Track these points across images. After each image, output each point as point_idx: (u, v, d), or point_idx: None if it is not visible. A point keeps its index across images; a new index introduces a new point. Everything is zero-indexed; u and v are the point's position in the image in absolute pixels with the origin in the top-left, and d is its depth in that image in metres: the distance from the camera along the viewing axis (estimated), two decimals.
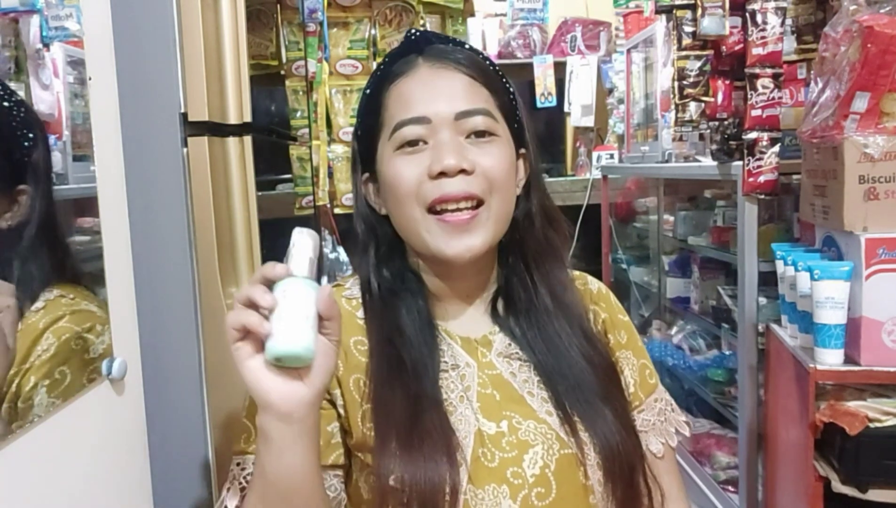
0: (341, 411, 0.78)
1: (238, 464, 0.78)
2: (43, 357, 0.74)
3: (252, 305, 0.61)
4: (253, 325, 0.60)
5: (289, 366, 0.62)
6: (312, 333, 0.61)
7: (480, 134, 0.79)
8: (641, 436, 0.87)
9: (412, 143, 0.78)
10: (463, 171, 0.76)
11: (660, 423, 0.89)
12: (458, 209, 0.76)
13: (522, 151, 0.86)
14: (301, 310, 0.61)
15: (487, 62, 0.84)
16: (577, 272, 0.93)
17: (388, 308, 0.82)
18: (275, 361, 0.61)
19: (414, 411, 0.75)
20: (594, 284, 0.94)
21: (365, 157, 0.85)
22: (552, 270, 0.86)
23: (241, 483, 0.77)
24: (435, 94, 0.79)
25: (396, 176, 0.78)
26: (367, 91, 0.84)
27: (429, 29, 2.57)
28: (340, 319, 0.65)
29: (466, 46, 0.84)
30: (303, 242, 0.65)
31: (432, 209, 0.77)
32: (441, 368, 0.80)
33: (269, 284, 0.62)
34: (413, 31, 0.84)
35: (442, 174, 0.75)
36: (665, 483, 0.88)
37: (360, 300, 0.84)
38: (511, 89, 0.85)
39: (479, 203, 0.77)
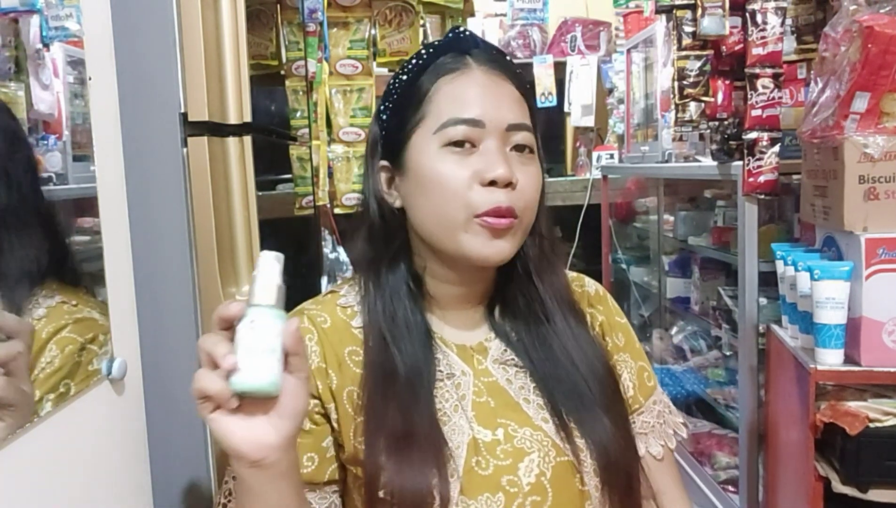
0: (335, 424, 0.77)
1: (234, 478, 0.78)
2: (47, 371, 0.74)
3: (214, 362, 0.58)
4: (210, 389, 0.58)
5: (255, 399, 0.60)
6: (279, 366, 0.59)
7: (521, 148, 0.79)
8: (641, 438, 0.86)
9: (458, 143, 0.77)
10: (509, 184, 0.76)
11: (659, 425, 0.89)
12: (499, 217, 0.76)
13: None
14: (267, 342, 0.58)
15: (523, 78, 0.84)
16: (574, 274, 0.93)
17: (386, 309, 0.81)
18: (241, 395, 0.59)
19: (406, 422, 0.74)
20: (591, 286, 0.93)
21: (389, 144, 0.83)
22: (553, 283, 0.86)
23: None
24: (491, 99, 0.78)
25: (443, 175, 0.77)
26: (405, 77, 0.82)
27: (429, 30, 2.57)
28: (306, 354, 0.63)
29: (507, 58, 0.84)
30: (269, 267, 0.61)
31: (478, 215, 0.76)
32: (436, 377, 0.79)
33: (229, 323, 0.60)
34: (462, 28, 0.83)
35: (492, 183, 0.75)
36: (665, 484, 0.88)
37: (355, 309, 0.83)
38: (534, 107, 0.86)
39: (514, 216, 0.77)
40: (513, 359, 0.83)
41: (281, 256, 0.61)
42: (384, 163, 0.84)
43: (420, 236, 0.82)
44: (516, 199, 0.77)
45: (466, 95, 0.78)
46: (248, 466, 0.61)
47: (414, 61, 0.82)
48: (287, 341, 0.60)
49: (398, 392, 0.76)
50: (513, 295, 0.85)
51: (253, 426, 0.60)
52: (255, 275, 0.61)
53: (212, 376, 0.58)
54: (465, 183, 0.76)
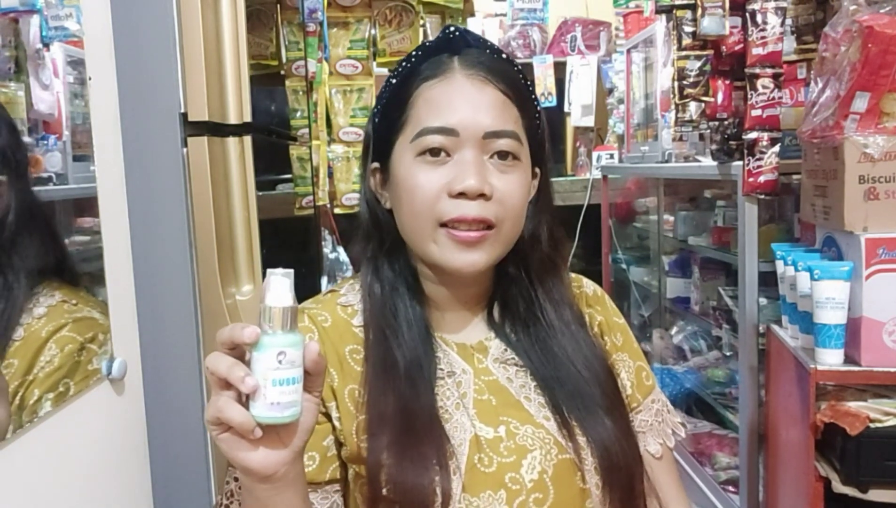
0: (336, 423, 0.77)
1: (235, 479, 0.78)
2: (47, 370, 0.74)
3: (228, 383, 0.57)
4: (234, 420, 0.57)
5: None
6: (299, 395, 0.58)
7: (503, 155, 0.78)
8: (640, 437, 0.86)
9: (434, 151, 0.76)
10: (482, 195, 0.75)
11: (657, 424, 0.89)
12: (469, 228, 0.75)
13: (537, 169, 0.85)
14: (293, 373, 0.57)
15: (521, 77, 0.82)
16: (572, 275, 0.93)
17: (386, 304, 0.81)
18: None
19: (407, 419, 0.74)
20: (589, 286, 0.93)
21: (378, 147, 0.83)
22: (554, 285, 0.86)
23: (240, 503, 0.76)
24: (467, 106, 0.77)
25: (415, 185, 0.76)
26: (394, 81, 0.81)
27: (429, 30, 2.57)
28: (324, 372, 0.62)
29: (503, 56, 0.81)
30: (281, 287, 0.58)
31: (444, 224, 0.76)
32: (437, 375, 0.79)
33: (240, 347, 0.58)
34: (452, 28, 0.81)
35: (461, 194, 0.74)
36: (664, 483, 0.88)
37: (356, 307, 0.83)
38: (538, 108, 0.84)
39: (490, 226, 0.76)
40: (513, 358, 0.83)
41: (291, 272, 0.59)
42: (375, 165, 0.84)
43: (404, 239, 0.82)
44: (492, 209, 0.76)
45: (444, 102, 0.77)
46: (257, 481, 0.61)
47: (404, 64, 0.81)
48: (309, 365, 0.59)
49: (398, 386, 0.76)
50: (513, 297, 0.85)
51: (262, 445, 0.60)
52: (267, 297, 0.58)
53: (234, 406, 0.57)
54: (435, 193, 0.75)
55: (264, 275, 0.88)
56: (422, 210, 0.76)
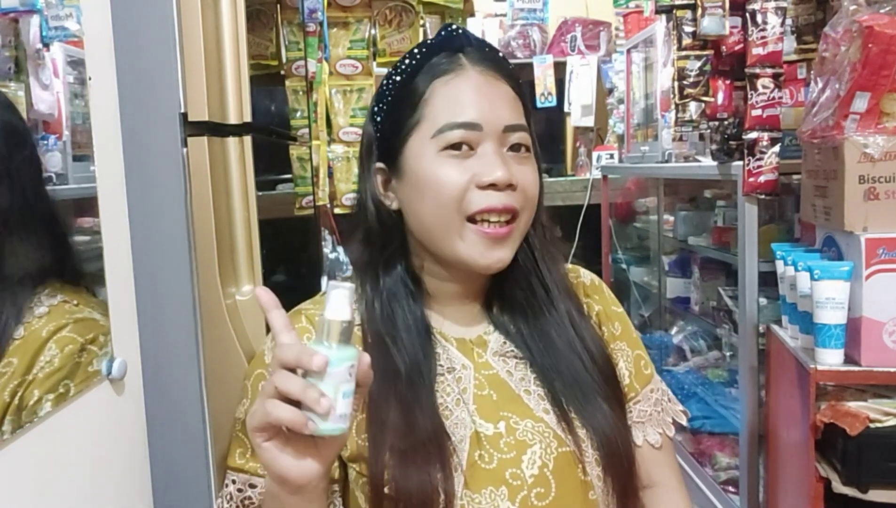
0: None
1: (234, 482, 0.78)
2: (47, 370, 0.74)
3: (288, 398, 0.58)
4: (284, 418, 0.58)
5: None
6: (351, 408, 0.60)
7: (517, 148, 0.80)
8: (639, 427, 0.87)
9: (456, 146, 0.77)
10: (510, 185, 0.77)
11: (656, 413, 0.89)
12: (498, 222, 0.77)
13: None
14: (352, 384, 0.59)
15: (516, 75, 0.85)
16: (569, 265, 0.93)
17: (384, 311, 0.81)
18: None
19: (408, 418, 0.74)
20: (586, 276, 0.94)
21: (385, 147, 0.83)
22: (552, 272, 0.87)
23: (237, 506, 0.78)
24: (487, 102, 0.79)
25: (442, 180, 0.77)
26: (399, 78, 0.82)
27: (429, 30, 2.57)
28: (368, 385, 0.63)
29: (500, 54, 0.84)
30: (340, 301, 0.60)
31: (472, 218, 0.77)
32: (437, 372, 0.80)
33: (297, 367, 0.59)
34: (454, 26, 0.83)
35: (491, 186, 0.76)
36: (664, 473, 0.88)
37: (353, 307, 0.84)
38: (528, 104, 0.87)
39: (513, 218, 0.78)
40: (512, 351, 0.84)
41: (352, 286, 0.61)
42: (380, 165, 0.84)
43: (418, 239, 0.82)
44: (517, 199, 0.78)
45: (462, 97, 0.78)
46: (291, 492, 0.63)
47: (407, 61, 0.82)
48: (362, 377, 0.61)
49: (399, 391, 0.76)
50: (510, 289, 0.86)
51: (301, 457, 0.61)
52: (330, 312, 0.60)
53: (282, 405, 0.58)
54: (463, 186, 0.77)
55: (265, 275, 0.90)
56: (449, 203, 0.77)
